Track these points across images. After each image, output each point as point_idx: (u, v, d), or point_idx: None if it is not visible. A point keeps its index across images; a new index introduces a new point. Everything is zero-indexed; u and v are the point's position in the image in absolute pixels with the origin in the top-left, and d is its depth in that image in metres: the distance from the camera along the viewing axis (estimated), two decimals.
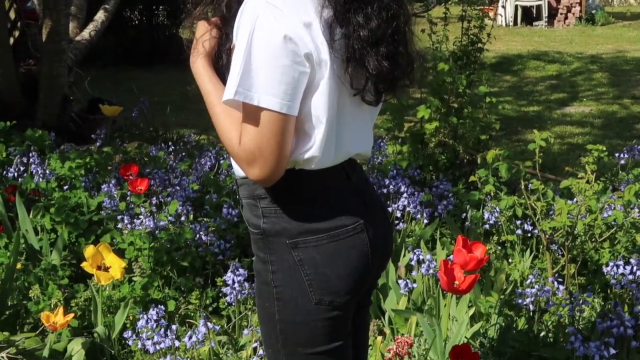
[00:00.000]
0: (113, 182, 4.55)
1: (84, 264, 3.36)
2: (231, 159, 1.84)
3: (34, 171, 4.81)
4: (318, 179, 1.77)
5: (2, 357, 3.07)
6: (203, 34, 1.86)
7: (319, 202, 1.78)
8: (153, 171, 4.95)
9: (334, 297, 1.78)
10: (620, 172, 4.76)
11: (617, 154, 5.06)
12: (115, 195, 4.40)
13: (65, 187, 4.68)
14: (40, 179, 4.72)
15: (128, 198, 4.45)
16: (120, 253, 3.72)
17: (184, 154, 5.79)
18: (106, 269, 3.35)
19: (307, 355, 1.82)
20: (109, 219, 4.26)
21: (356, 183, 1.85)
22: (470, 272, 2.83)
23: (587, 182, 3.45)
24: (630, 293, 3.35)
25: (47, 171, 4.80)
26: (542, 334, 3.23)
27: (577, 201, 3.49)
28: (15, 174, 4.90)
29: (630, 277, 3.32)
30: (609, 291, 3.69)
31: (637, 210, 3.73)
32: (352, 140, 1.81)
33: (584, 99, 9.12)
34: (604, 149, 3.61)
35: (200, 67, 1.83)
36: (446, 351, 3.04)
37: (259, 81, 1.63)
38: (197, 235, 4.01)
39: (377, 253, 1.86)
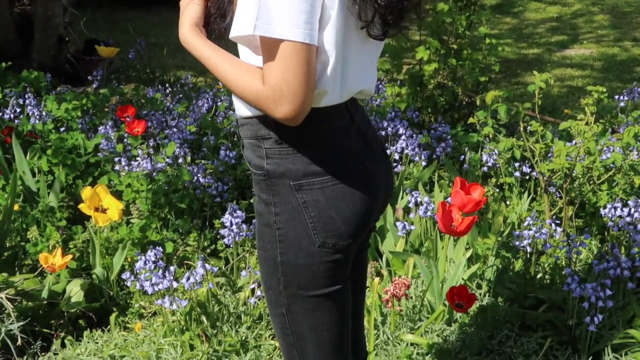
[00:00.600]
0: (110, 124, 4.53)
1: (81, 206, 3.35)
2: (234, 97, 1.80)
3: (30, 113, 4.78)
4: (323, 118, 1.73)
5: (1, 297, 3.09)
6: (186, 4, 1.83)
7: (324, 143, 1.76)
8: (150, 113, 4.92)
9: (337, 240, 1.77)
10: (619, 114, 4.73)
11: (616, 97, 5.03)
12: (113, 137, 4.39)
13: (62, 129, 4.65)
14: (37, 121, 4.70)
15: (125, 140, 4.43)
16: (117, 195, 3.71)
17: (181, 96, 5.75)
18: (104, 211, 3.35)
19: (308, 297, 1.82)
20: (106, 160, 4.25)
21: (359, 124, 1.83)
22: (468, 214, 2.83)
23: (587, 123, 3.43)
24: (627, 235, 3.36)
25: (44, 113, 4.78)
26: (538, 276, 3.25)
27: (576, 143, 3.47)
28: (12, 115, 4.87)
29: (628, 219, 3.32)
30: (606, 234, 3.70)
31: (635, 152, 3.72)
32: (358, 76, 1.78)
33: (585, 42, 9.03)
34: (604, 90, 3.58)
35: (189, 36, 1.78)
36: (443, 292, 3.06)
37: (279, 13, 1.57)
38: (195, 178, 4.00)
39: (379, 196, 1.85)
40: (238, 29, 1.64)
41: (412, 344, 2.90)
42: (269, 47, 1.60)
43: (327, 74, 1.68)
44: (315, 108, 1.70)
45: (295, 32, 1.58)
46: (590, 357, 2.86)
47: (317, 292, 1.81)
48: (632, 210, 3.31)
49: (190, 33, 1.79)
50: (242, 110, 1.79)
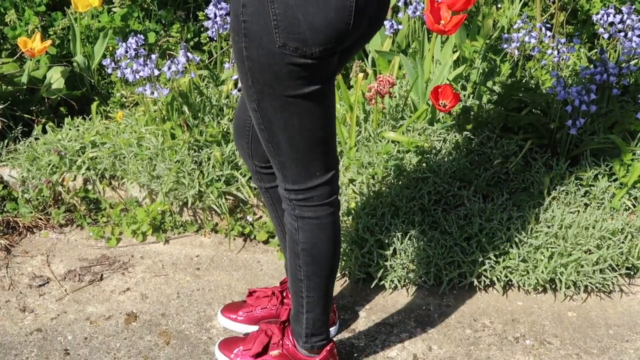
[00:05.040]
0: None
1: None
2: None
3: None
4: None
5: None
6: None
7: None
8: None
9: (299, 45, 1.69)
10: None
11: None
12: None
13: None
14: None
15: None
16: None
17: None
18: None
19: (276, 96, 1.77)
20: None
21: None
22: (457, 13, 2.76)
23: None
24: (617, 43, 3.31)
25: None
26: (524, 80, 3.22)
27: None
28: None
29: (620, 26, 3.25)
30: (595, 42, 3.64)
31: None
32: None
33: None
34: None
35: None
36: (427, 92, 3.04)
37: None
38: None
39: (363, 16, 1.74)
40: None
41: (393, 142, 2.91)
42: None
43: None
44: None
45: None
46: (569, 161, 2.88)
47: (284, 92, 1.76)
48: (625, 17, 3.24)
49: None
50: None
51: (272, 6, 1.66)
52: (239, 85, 3.13)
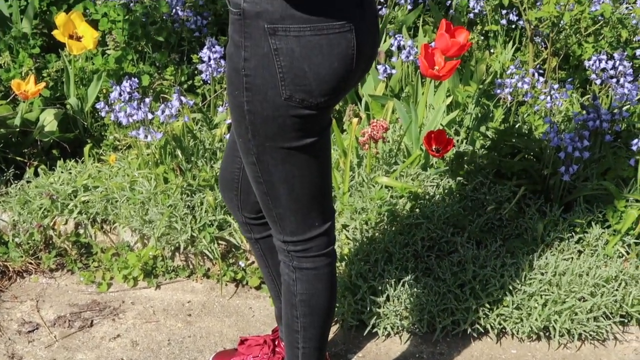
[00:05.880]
0: None
1: (55, 32, 3.26)
2: None
3: None
4: None
5: None
6: None
7: None
8: None
9: (306, 96, 1.69)
10: None
11: None
12: None
13: None
14: None
15: None
16: (93, 25, 3.59)
17: None
18: (78, 39, 3.26)
19: (277, 148, 1.76)
20: None
21: None
22: (451, 58, 2.77)
23: None
24: (609, 89, 3.33)
25: None
26: (517, 125, 3.23)
27: None
28: None
29: (612, 72, 3.27)
30: (588, 87, 3.66)
31: (625, 5, 3.64)
32: None
33: None
34: None
35: None
36: (421, 137, 3.04)
37: None
38: (174, 10, 3.88)
39: (361, 59, 1.75)
40: None
41: (386, 187, 2.91)
42: None
43: None
44: None
45: None
46: (562, 207, 2.88)
47: (286, 144, 1.75)
48: (617, 63, 3.26)
49: None
50: None
51: (277, 59, 1.66)
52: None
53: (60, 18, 3.24)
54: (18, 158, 3.27)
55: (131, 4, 3.88)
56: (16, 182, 3.15)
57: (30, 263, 2.95)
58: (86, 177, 3.07)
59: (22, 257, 2.93)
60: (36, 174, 3.20)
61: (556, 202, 2.91)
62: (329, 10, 1.66)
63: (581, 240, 2.82)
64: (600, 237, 2.80)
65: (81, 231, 2.99)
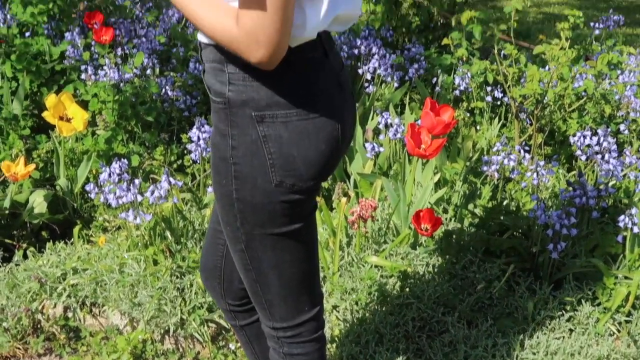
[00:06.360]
0: (77, 30, 4.40)
1: (45, 114, 3.29)
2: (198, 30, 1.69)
3: None
4: (295, 46, 1.62)
5: None
6: None
7: (293, 72, 1.65)
8: (118, 20, 4.78)
9: (296, 181, 1.69)
10: (594, 42, 4.69)
11: (592, 24, 4.98)
12: (79, 45, 4.27)
13: (27, 34, 4.52)
14: (1, 25, 4.55)
15: (92, 48, 4.32)
16: (83, 105, 3.63)
17: (150, 4, 5.59)
18: (68, 120, 3.29)
19: (267, 235, 1.76)
20: (72, 69, 4.14)
21: (332, 62, 1.74)
22: (438, 137, 2.80)
23: (561, 48, 3.39)
24: (595, 165, 3.36)
25: (8, 16, 4.62)
26: (505, 203, 3.25)
27: (549, 69, 3.44)
28: None
29: (597, 148, 3.31)
30: (574, 163, 3.70)
31: (608, 80, 3.70)
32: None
33: None
34: (580, 15, 3.53)
35: None
36: (409, 216, 3.05)
37: None
38: (163, 90, 3.93)
39: (345, 140, 1.77)
40: None
41: (376, 266, 2.91)
42: None
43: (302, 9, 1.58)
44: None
45: None
46: (552, 285, 2.88)
47: (275, 230, 1.75)
48: (602, 139, 3.30)
49: None
50: (203, 34, 1.68)
51: (266, 145, 1.66)
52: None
53: (50, 100, 3.27)
54: (7, 240, 3.26)
55: (121, 84, 3.92)
56: (5, 264, 3.14)
57: (18, 348, 2.92)
58: (75, 260, 3.06)
59: (9, 342, 2.90)
60: (25, 256, 3.19)
61: (545, 280, 2.91)
62: (314, 95, 1.68)
63: (572, 319, 2.81)
64: (590, 315, 2.80)
65: (70, 315, 2.97)
